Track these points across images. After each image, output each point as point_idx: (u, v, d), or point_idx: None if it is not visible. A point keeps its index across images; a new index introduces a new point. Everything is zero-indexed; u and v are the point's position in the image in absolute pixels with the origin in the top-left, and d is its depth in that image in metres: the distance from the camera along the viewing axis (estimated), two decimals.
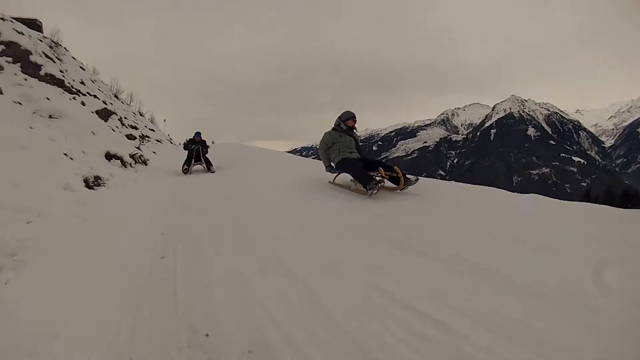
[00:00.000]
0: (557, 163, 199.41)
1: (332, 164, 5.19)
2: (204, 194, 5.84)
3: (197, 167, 8.85)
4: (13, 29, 9.66)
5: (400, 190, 4.57)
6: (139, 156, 8.44)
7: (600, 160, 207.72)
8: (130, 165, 7.59)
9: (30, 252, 2.51)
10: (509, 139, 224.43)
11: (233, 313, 1.95)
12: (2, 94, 5.53)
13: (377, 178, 4.46)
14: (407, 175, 4.54)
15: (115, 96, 16.21)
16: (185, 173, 8.43)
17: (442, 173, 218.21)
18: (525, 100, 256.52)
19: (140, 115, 19.61)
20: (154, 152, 11.79)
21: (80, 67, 13.91)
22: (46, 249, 2.64)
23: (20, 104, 5.71)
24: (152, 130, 17.46)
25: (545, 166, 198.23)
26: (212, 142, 16.65)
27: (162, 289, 2.25)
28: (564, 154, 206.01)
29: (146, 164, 8.59)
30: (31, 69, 8.88)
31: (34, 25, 18.43)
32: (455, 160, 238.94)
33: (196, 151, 8.82)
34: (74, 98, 9.28)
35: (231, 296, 2.14)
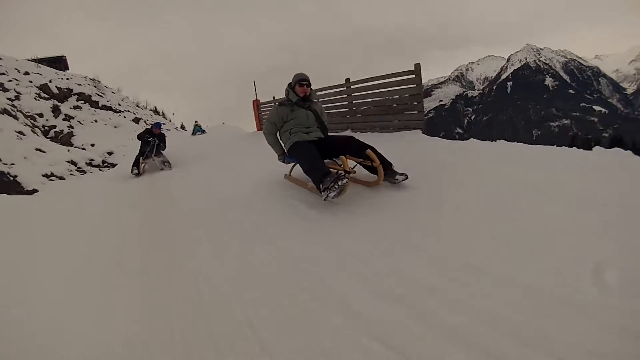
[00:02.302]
0: (577, 113, 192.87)
1: (286, 149, 3.66)
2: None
3: (150, 163, 7.66)
4: (75, 83, 18.01)
5: (383, 182, 3.07)
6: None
7: (622, 109, 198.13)
8: None
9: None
10: (527, 91, 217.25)
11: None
12: (97, 121, 14.05)
13: (339, 172, 3.00)
14: (393, 167, 3.09)
15: (137, 105, 24.89)
16: (137, 175, 7.13)
17: (460, 131, 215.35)
18: (540, 49, 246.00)
19: (156, 113, 28.56)
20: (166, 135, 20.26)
21: (112, 92, 22.41)
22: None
23: (106, 124, 14.25)
24: (164, 123, 25.84)
25: (565, 117, 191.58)
26: (223, 123, 23.50)
27: None
28: (584, 104, 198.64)
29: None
30: (94, 104, 16.82)
31: (61, 60, 26.69)
32: (472, 117, 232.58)
33: (151, 146, 7.50)
34: (119, 115, 17.72)
35: None
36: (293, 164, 3.86)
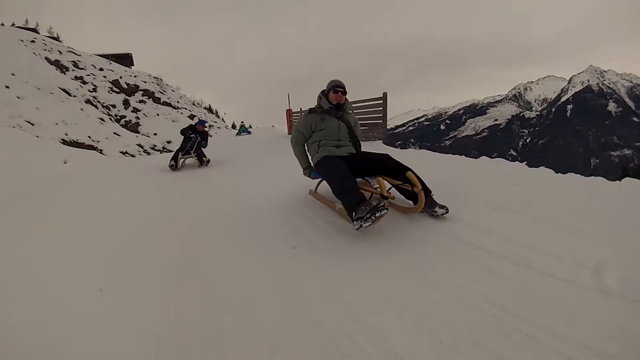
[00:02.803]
0: None
1: (313, 163, 3.29)
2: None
3: (189, 160, 7.63)
4: (142, 80, 20.50)
5: (421, 211, 2.69)
6: (209, 133, 19.04)
7: None
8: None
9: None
10: (587, 116, 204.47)
11: None
12: (159, 115, 16.08)
13: (379, 202, 2.46)
14: (432, 196, 2.69)
15: (193, 104, 27.37)
16: (173, 169, 7.03)
17: (514, 153, 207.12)
18: (604, 71, 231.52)
19: (210, 112, 31.11)
20: (215, 133, 22.10)
21: (172, 90, 24.90)
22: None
23: (166, 118, 16.26)
24: (215, 121, 28.12)
25: (628, 147, 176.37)
26: (273, 126, 25.05)
27: None
28: None
29: (211, 136, 18.85)
30: (156, 100, 19.18)
31: (127, 57, 29.92)
32: (528, 140, 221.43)
33: (192, 142, 7.47)
34: (177, 111, 19.87)
35: None
36: (320, 179, 3.43)
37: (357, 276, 2.04)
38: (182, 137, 7.58)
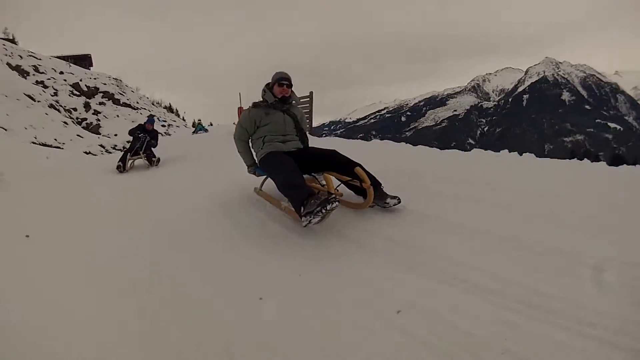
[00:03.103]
0: (592, 129, 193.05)
1: (257, 160, 3.22)
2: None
3: (138, 161, 7.35)
4: (101, 82, 21.30)
5: (372, 205, 2.69)
6: (168, 132, 20.27)
7: (638, 127, 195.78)
8: (166, 135, 19.30)
9: None
10: (542, 105, 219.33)
11: None
12: (119, 116, 17.46)
13: (328, 194, 2.51)
14: (382, 188, 2.68)
15: (152, 104, 28.49)
16: (120, 171, 6.73)
17: (472, 142, 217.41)
18: (560, 63, 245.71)
19: (170, 111, 32.25)
20: (174, 132, 23.36)
21: (132, 91, 25.76)
22: None
23: (125, 118, 17.62)
24: (174, 120, 29.29)
25: (580, 133, 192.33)
26: (233, 123, 25.74)
27: None
28: (599, 120, 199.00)
29: (170, 135, 20.23)
30: (116, 102, 20.08)
31: (86, 58, 30.38)
32: (485, 129, 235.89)
33: (141, 142, 7.20)
34: (137, 111, 21.08)
35: None
36: (265, 177, 3.37)
37: (356, 276, 2.06)
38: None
